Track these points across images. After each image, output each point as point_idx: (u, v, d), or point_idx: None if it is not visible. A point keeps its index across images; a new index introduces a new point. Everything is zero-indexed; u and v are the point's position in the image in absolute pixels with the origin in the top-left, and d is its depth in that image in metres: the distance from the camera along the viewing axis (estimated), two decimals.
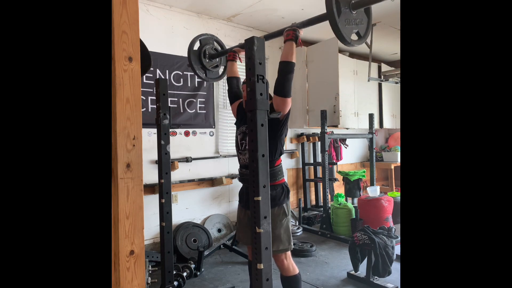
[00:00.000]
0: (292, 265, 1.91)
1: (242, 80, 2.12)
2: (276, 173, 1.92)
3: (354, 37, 1.53)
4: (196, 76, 3.66)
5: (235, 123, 2.14)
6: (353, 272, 2.73)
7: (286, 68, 1.74)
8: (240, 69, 2.32)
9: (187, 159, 3.58)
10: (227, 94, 3.90)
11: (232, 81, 2.21)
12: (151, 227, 3.34)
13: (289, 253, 1.91)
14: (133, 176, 0.95)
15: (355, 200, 4.23)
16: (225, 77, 2.37)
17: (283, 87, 1.76)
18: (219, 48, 2.51)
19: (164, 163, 2.23)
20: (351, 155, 5.57)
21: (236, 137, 2.04)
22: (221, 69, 2.54)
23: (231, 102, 2.21)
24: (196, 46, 2.41)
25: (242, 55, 2.22)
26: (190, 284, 2.70)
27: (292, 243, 1.91)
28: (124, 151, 0.93)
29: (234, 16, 3.86)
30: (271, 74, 4.45)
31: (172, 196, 2.64)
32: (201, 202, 3.74)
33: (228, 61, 2.25)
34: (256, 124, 1.29)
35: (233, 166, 3.96)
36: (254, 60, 1.29)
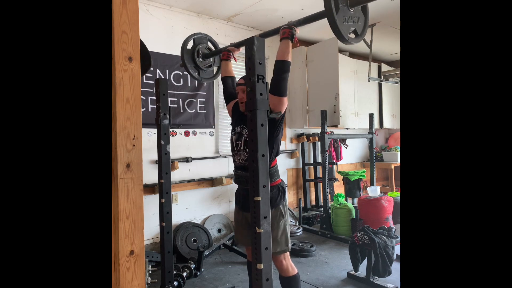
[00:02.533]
0: (291, 265, 1.91)
1: (237, 80, 2.11)
2: (272, 174, 1.90)
3: (351, 35, 1.53)
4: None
5: (230, 123, 2.12)
6: (353, 272, 2.73)
7: (282, 67, 1.72)
8: (235, 68, 2.30)
9: (187, 159, 3.57)
10: None
11: (227, 81, 2.19)
12: (151, 227, 3.34)
13: (287, 253, 1.90)
14: (133, 176, 0.95)
15: (355, 200, 4.23)
16: (220, 77, 2.35)
17: (279, 86, 1.75)
18: (213, 48, 2.49)
19: (164, 163, 2.23)
20: (351, 155, 5.57)
21: (232, 137, 2.02)
22: (214, 69, 2.52)
23: (227, 102, 2.20)
24: (190, 45, 2.38)
25: (236, 54, 2.21)
26: (190, 284, 2.70)
27: (290, 244, 1.90)
28: (124, 151, 0.93)
29: (234, 16, 3.86)
30: (271, 74, 4.44)
31: (172, 196, 2.64)
32: (201, 202, 3.74)
33: (222, 60, 2.23)
34: (256, 124, 1.29)
35: (233, 166, 3.95)
36: (254, 60, 1.29)
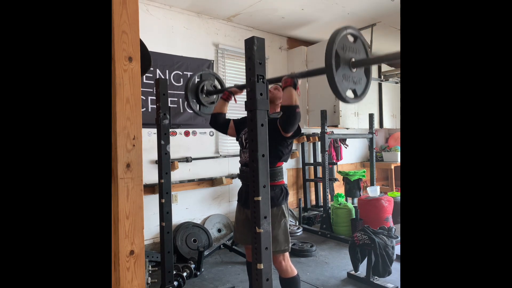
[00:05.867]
0: (291, 266, 1.91)
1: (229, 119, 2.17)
2: (275, 174, 1.92)
3: (350, 94, 1.50)
4: (196, 77, 3.68)
5: (236, 139, 2.13)
6: (353, 272, 2.73)
7: (287, 113, 1.73)
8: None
9: (187, 159, 3.58)
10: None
11: (219, 116, 2.16)
12: (151, 227, 3.34)
13: (287, 254, 1.91)
14: (133, 176, 0.95)
15: (355, 200, 4.23)
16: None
17: (286, 126, 1.77)
18: (219, 86, 2.54)
19: (164, 163, 2.23)
20: (351, 155, 5.57)
21: (241, 137, 2.06)
22: None
23: (225, 129, 2.16)
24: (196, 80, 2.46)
25: (238, 96, 2.22)
26: (190, 284, 2.70)
27: (290, 245, 1.91)
28: (124, 151, 0.93)
29: (234, 16, 3.86)
30: (271, 74, 4.45)
31: (172, 196, 2.64)
32: (201, 202, 3.74)
33: (220, 99, 2.20)
34: (256, 124, 1.29)
35: (233, 166, 3.96)
36: (254, 60, 1.29)
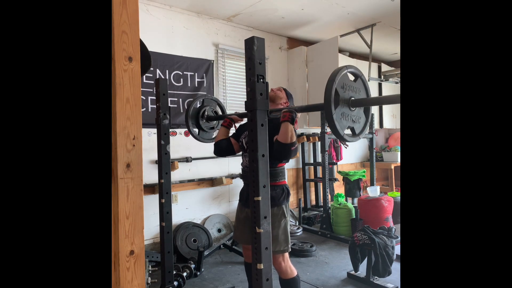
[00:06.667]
0: (290, 267, 1.91)
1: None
2: (277, 174, 1.93)
3: (348, 132, 1.49)
4: (196, 76, 3.68)
5: (241, 147, 2.11)
6: (353, 272, 2.73)
7: (280, 149, 1.73)
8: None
9: (187, 159, 3.58)
10: (227, 95, 3.93)
11: (222, 141, 2.12)
12: (151, 227, 3.34)
13: (286, 255, 1.91)
14: (133, 176, 0.95)
15: (355, 200, 4.23)
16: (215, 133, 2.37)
17: (278, 157, 1.79)
18: (220, 112, 2.55)
19: (164, 163, 2.23)
20: (351, 155, 5.57)
21: (241, 140, 2.05)
22: (215, 133, 2.53)
23: (232, 149, 2.11)
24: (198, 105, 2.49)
25: (238, 123, 2.21)
26: (190, 284, 2.70)
27: (290, 245, 1.91)
28: (124, 151, 0.93)
29: (234, 16, 3.86)
30: (271, 74, 4.45)
31: (172, 196, 2.64)
32: (201, 202, 3.74)
33: (222, 126, 2.19)
34: (256, 124, 1.29)
35: (233, 166, 3.96)
36: (254, 60, 1.29)
